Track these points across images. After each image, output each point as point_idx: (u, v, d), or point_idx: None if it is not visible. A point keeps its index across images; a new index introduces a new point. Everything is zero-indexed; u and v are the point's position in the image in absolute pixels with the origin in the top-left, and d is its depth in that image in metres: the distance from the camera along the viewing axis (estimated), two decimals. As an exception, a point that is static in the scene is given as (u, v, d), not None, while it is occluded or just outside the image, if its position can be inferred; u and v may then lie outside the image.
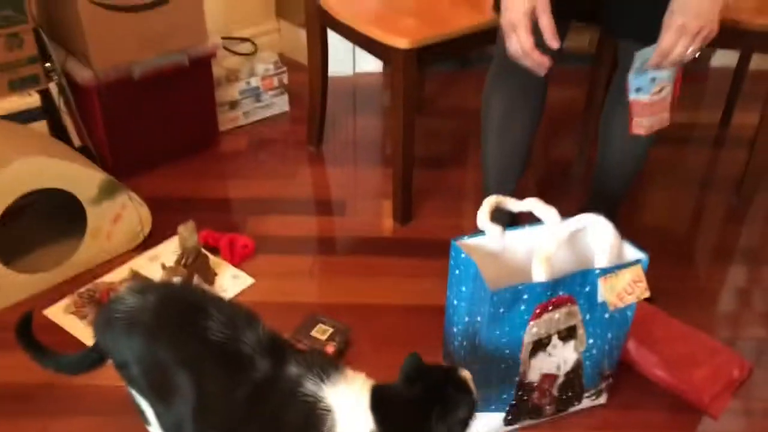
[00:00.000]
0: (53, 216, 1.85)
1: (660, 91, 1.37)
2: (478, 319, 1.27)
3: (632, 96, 1.39)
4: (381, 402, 1.08)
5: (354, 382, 1.10)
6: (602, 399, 1.46)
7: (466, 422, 1.10)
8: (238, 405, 1.07)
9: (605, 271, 1.26)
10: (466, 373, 1.13)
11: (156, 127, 2.13)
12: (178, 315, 1.13)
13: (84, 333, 1.61)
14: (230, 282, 1.76)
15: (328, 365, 1.11)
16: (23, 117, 1.95)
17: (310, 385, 1.07)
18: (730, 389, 1.49)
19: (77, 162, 1.74)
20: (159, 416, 1.17)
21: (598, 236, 1.30)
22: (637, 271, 1.27)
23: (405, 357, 1.11)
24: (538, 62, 1.32)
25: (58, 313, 1.66)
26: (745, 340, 1.65)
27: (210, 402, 1.08)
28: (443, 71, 2.81)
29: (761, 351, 1.63)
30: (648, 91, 1.37)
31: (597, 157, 1.77)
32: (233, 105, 2.36)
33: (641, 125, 1.43)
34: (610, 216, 1.79)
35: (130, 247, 1.85)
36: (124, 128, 2.06)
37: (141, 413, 1.22)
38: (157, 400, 1.15)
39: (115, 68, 1.96)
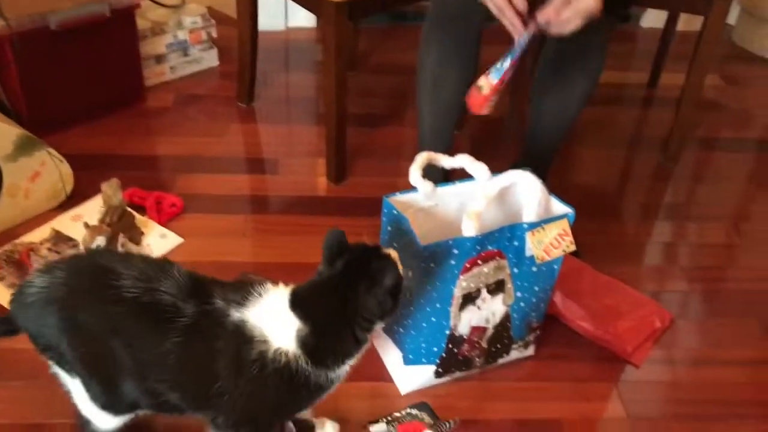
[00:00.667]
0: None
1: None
2: (410, 273, 1.27)
3: (493, 78, 1.39)
4: (300, 297, 1.07)
5: (275, 293, 1.09)
6: (530, 351, 1.49)
7: (395, 293, 1.06)
8: (173, 354, 1.04)
9: (533, 226, 1.27)
10: (391, 251, 1.10)
11: (77, 81, 2.03)
12: (90, 282, 1.08)
13: (3, 294, 1.54)
14: (158, 241, 1.72)
15: (251, 287, 1.09)
16: (-70, 69, 1.84)
17: (234, 313, 1.06)
18: (651, 339, 1.54)
19: (-10, 116, 1.65)
20: (91, 389, 1.12)
21: (526, 192, 1.31)
22: (564, 226, 1.29)
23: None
24: (512, 23, 1.33)
25: (-27, 275, 1.59)
26: (669, 292, 1.71)
27: (146, 359, 1.06)
28: (377, 27, 2.78)
29: (683, 303, 1.69)
30: (499, 73, 1.39)
31: (529, 119, 1.78)
32: (159, 59, 2.28)
33: (490, 106, 1.44)
34: (541, 174, 1.83)
35: (52, 205, 1.78)
36: (42, 82, 1.96)
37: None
38: (89, 374, 1.10)
39: (30, 17, 1.86)
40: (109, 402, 1.13)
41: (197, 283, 1.09)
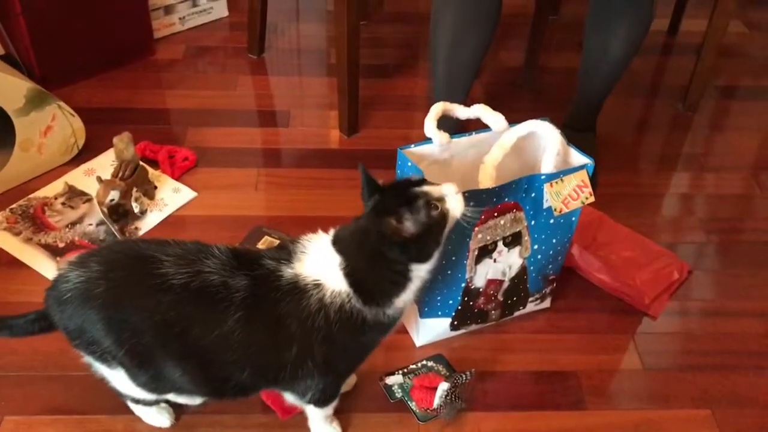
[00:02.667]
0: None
1: None
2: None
3: None
4: (340, 234, 1.06)
5: (319, 239, 1.07)
6: (546, 303, 1.48)
7: (410, 240, 1.01)
8: (238, 330, 1.02)
9: (551, 177, 1.25)
10: (442, 188, 1.04)
11: (86, 33, 2.00)
12: (131, 274, 1.04)
13: (17, 248, 1.55)
14: (171, 196, 1.71)
15: (292, 245, 1.08)
16: (-63, 22, 1.81)
17: (286, 270, 1.04)
18: (669, 291, 1.53)
19: (0, 70, 1.63)
20: (139, 379, 1.10)
21: (544, 142, 1.29)
22: (583, 177, 1.26)
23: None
24: None
25: (-11, 229, 1.59)
26: (686, 244, 1.69)
27: (208, 344, 1.02)
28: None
29: (700, 254, 1.67)
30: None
31: (582, 61, 1.77)
32: (168, 10, 2.24)
33: None
34: (591, 117, 1.84)
35: (64, 160, 1.77)
36: (51, 34, 1.94)
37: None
38: (138, 367, 1.07)
39: (36, -32, 1.82)
40: (159, 388, 1.11)
41: (240, 255, 1.06)
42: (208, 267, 1.02)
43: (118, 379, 1.12)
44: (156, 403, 1.21)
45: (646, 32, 1.68)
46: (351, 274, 1.03)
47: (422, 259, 1.04)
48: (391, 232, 1.00)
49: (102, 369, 1.13)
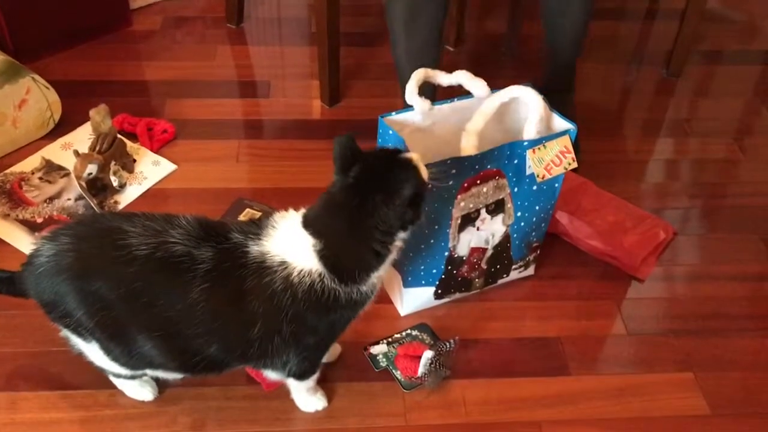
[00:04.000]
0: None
1: None
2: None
3: None
4: (312, 215, 1.04)
5: (289, 218, 1.06)
6: (530, 270, 1.48)
7: (416, 202, 1.00)
8: (202, 302, 1.01)
9: (533, 143, 1.24)
10: (412, 154, 1.04)
11: (60, 4, 1.96)
12: (98, 246, 1.03)
13: (-5, 226, 1.52)
14: (151, 169, 1.69)
15: (265, 220, 1.06)
16: None
17: (254, 246, 1.03)
18: (656, 252, 1.53)
19: (-30, 42, 1.59)
20: (111, 352, 1.09)
21: (526, 108, 1.28)
22: (566, 143, 1.25)
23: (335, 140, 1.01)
24: None
25: (-36, 206, 1.56)
26: (670, 209, 1.69)
27: (173, 315, 1.02)
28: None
29: (685, 219, 1.67)
30: None
31: (545, 33, 1.75)
32: (144, -21, 2.19)
33: None
34: (567, 84, 1.83)
35: (40, 134, 1.74)
36: (24, 6, 1.89)
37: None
38: (109, 338, 1.07)
39: (5, -63, 1.77)
40: (132, 362, 1.10)
41: (208, 226, 1.05)
42: (173, 237, 1.01)
43: (94, 353, 1.12)
44: (137, 377, 1.20)
45: None
46: (327, 254, 1.02)
47: (413, 222, 1.04)
48: (391, 223, 0.99)
49: (78, 343, 1.12)
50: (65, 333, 1.12)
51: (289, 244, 1.03)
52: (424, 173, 1.04)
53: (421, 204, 1.04)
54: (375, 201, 0.99)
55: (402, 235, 1.05)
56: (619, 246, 1.49)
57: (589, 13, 1.69)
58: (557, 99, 1.73)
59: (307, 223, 1.04)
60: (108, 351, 1.09)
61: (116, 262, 1.01)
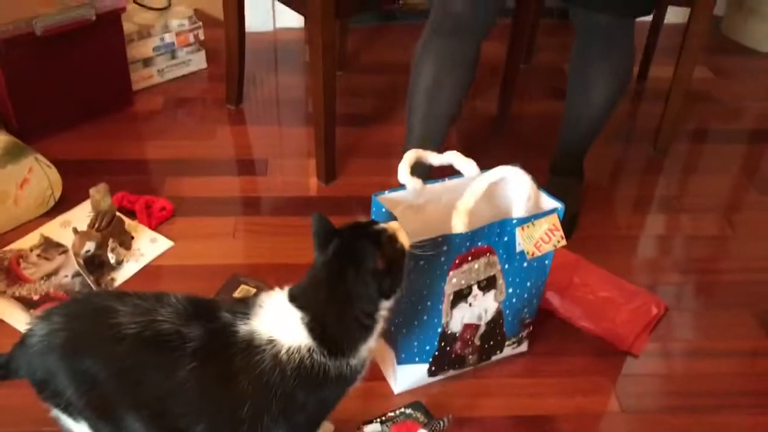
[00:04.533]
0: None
1: None
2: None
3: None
4: (297, 290, 1.07)
5: (276, 296, 1.08)
6: (524, 347, 1.48)
7: (393, 270, 1.04)
8: (190, 382, 1.01)
9: (522, 221, 1.27)
10: (388, 224, 1.07)
11: (64, 86, 2.02)
12: (89, 324, 1.05)
13: (-9, 303, 1.53)
14: (148, 246, 1.71)
15: (254, 298, 1.09)
16: None
17: (242, 326, 1.04)
18: (648, 327, 1.54)
19: (-24, 123, 1.64)
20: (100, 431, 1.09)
21: (515, 187, 1.31)
22: (554, 221, 1.28)
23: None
24: None
25: (-38, 283, 1.57)
26: (662, 285, 1.70)
27: (160, 394, 1.02)
28: (366, 26, 2.77)
29: (677, 295, 1.69)
30: None
31: (565, 112, 1.81)
32: (147, 62, 2.27)
33: None
34: (576, 165, 1.88)
35: (40, 212, 1.77)
36: (29, 87, 1.95)
37: None
38: (98, 418, 1.06)
39: (14, 23, 1.85)
40: None
41: (198, 305, 1.06)
42: (161, 315, 1.02)
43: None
44: None
45: (627, 81, 1.74)
46: (315, 326, 1.04)
47: (394, 290, 1.07)
48: (364, 295, 1.03)
49: (68, 423, 1.11)
50: (55, 413, 1.11)
51: (277, 321, 1.05)
52: (405, 240, 1.07)
53: (399, 272, 1.06)
54: (348, 274, 1.02)
55: (386, 304, 1.07)
56: (611, 327, 1.50)
57: (613, 95, 1.72)
58: (562, 183, 1.78)
59: (293, 298, 1.06)
60: (97, 431, 1.08)
61: (106, 340, 1.02)
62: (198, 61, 2.40)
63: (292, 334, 1.04)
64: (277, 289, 1.09)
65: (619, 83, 1.72)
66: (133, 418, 1.04)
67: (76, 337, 1.04)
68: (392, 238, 1.06)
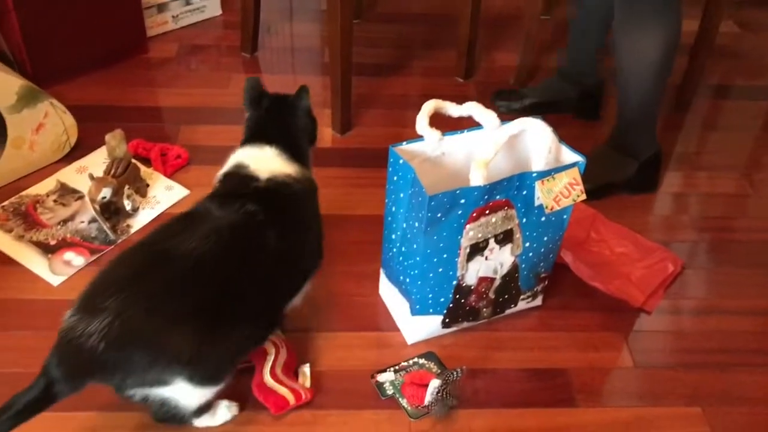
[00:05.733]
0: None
1: None
2: (416, 224, 1.25)
3: None
4: (256, 136, 1.31)
5: (248, 156, 1.28)
6: (538, 301, 1.48)
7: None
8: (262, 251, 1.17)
9: (542, 175, 1.25)
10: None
11: (78, 31, 2.00)
12: (148, 280, 1.06)
13: (9, 246, 1.54)
14: (164, 194, 1.71)
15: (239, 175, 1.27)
16: (-71, 19, 1.81)
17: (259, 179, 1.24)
18: (664, 284, 1.53)
19: (-9, 67, 1.63)
20: (201, 367, 1.10)
21: (536, 140, 1.29)
22: (575, 174, 1.27)
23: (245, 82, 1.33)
24: None
25: (-20, 227, 1.59)
26: (678, 242, 1.69)
27: (256, 279, 1.15)
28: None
29: (693, 253, 1.68)
30: None
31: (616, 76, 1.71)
32: (161, 8, 2.23)
33: None
34: (633, 140, 1.78)
35: (56, 157, 1.77)
36: (43, 32, 1.93)
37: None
38: (200, 355, 1.08)
39: (28, -34, 1.82)
40: (223, 364, 1.14)
41: (208, 206, 1.19)
42: (205, 225, 1.13)
43: (181, 390, 1.11)
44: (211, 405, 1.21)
45: (675, 39, 1.61)
46: (282, 152, 1.28)
47: (315, 135, 1.36)
48: (307, 105, 1.32)
49: (160, 393, 1.11)
50: (141, 395, 1.11)
51: (261, 163, 1.25)
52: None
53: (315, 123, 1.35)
54: (289, 115, 1.31)
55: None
56: (626, 279, 1.50)
57: (661, 57, 1.60)
58: (617, 162, 1.73)
59: (263, 140, 1.28)
60: (196, 371, 1.09)
61: (170, 278, 1.07)
62: (212, 8, 2.37)
63: (276, 166, 1.25)
64: (236, 151, 1.30)
65: (666, 40, 1.59)
66: (242, 328, 1.13)
67: (144, 300, 1.03)
68: (307, 93, 1.31)
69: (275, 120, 1.31)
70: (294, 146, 1.30)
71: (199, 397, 1.15)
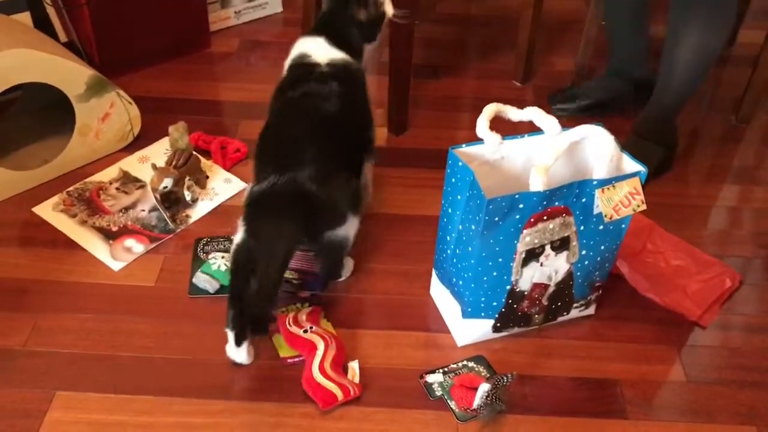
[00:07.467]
0: (42, 113, 1.81)
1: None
2: (472, 227, 1.26)
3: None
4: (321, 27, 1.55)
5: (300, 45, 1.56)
6: (591, 310, 1.47)
7: (361, 24, 1.49)
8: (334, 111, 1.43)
9: (603, 183, 1.24)
10: None
11: (145, 24, 2.05)
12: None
13: (72, 230, 1.59)
14: (223, 186, 1.74)
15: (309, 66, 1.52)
16: (4, 7, 1.87)
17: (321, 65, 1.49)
18: (720, 300, 1.51)
19: (64, 56, 1.68)
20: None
21: (597, 148, 1.28)
22: (635, 184, 1.26)
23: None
24: None
25: (46, 210, 1.64)
26: (733, 257, 1.66)
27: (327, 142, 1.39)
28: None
29: (748, 268, 1.64)
30: None
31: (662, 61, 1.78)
32: (224, 3, 2.28)
33: None
34: (662, 128, 1.85)
35: (120, 146, 1.82)
36: (112, 24, 1.99)
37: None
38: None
39: (101, -40, 1.87)
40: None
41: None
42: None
43: (352, 224, 1.40)
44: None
45: (729, 32, 1.71)
46: (340, 43, 1.49)
47: (369, 39, 1.53)
48: (353, 13, 1.48)
49: (342, 232, 1.40)
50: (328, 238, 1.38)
51: (323, 52, 1.48)
52: (389, 9, 1.52)
53: (374, 27, 1.52)
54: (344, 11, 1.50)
55: (368, 46, 1.54)
56: (681, 293, 1.48)
57: (708, 50, 1.69)
58: (643, 147, 1.73)
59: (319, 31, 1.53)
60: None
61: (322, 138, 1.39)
62: (274, 5, 2.40)
63: (334, 53, 1.48)
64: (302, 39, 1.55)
65: (716, 32, 1.67)
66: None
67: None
68: (378, 3, 1.48)
69: (332, 14, 1.53)
70: (341, 37, 1.49)
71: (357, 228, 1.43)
